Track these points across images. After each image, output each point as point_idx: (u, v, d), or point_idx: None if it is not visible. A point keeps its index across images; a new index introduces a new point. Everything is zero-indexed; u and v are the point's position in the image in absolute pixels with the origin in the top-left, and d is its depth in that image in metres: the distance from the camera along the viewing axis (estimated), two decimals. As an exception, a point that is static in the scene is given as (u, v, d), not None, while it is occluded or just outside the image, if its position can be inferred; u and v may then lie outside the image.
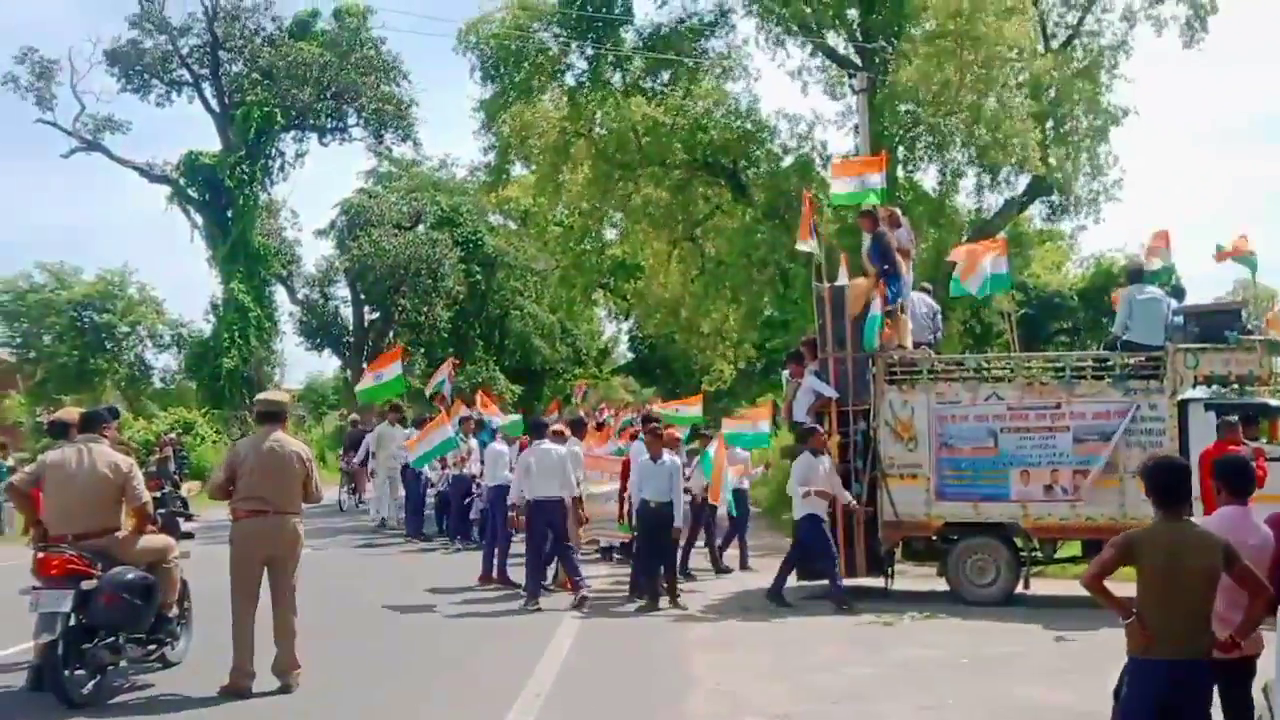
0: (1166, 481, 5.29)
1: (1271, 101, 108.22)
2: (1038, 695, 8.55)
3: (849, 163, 15.22)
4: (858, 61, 24.98)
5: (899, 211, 15.38)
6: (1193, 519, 5.39)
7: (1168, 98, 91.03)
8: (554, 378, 47.80)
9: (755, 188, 26.59)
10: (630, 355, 54.85)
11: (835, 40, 26.70)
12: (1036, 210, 30.17)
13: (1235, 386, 13.26)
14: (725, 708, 8.38)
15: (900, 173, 25.63)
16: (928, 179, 26.80)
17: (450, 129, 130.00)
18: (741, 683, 9.20)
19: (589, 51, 28.04)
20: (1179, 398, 12.53)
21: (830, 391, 13.27)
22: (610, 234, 31.62)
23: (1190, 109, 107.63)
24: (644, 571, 12.93)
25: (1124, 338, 13.08)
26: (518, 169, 31.82)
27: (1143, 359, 12.76)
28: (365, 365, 17.24)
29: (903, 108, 24.57)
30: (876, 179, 14.99)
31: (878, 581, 13.49)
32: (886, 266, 13.59)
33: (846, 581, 12.88)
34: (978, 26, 22.52)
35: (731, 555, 15.92)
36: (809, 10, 25.21)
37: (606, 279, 36.29)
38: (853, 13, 25.74)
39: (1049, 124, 26.04)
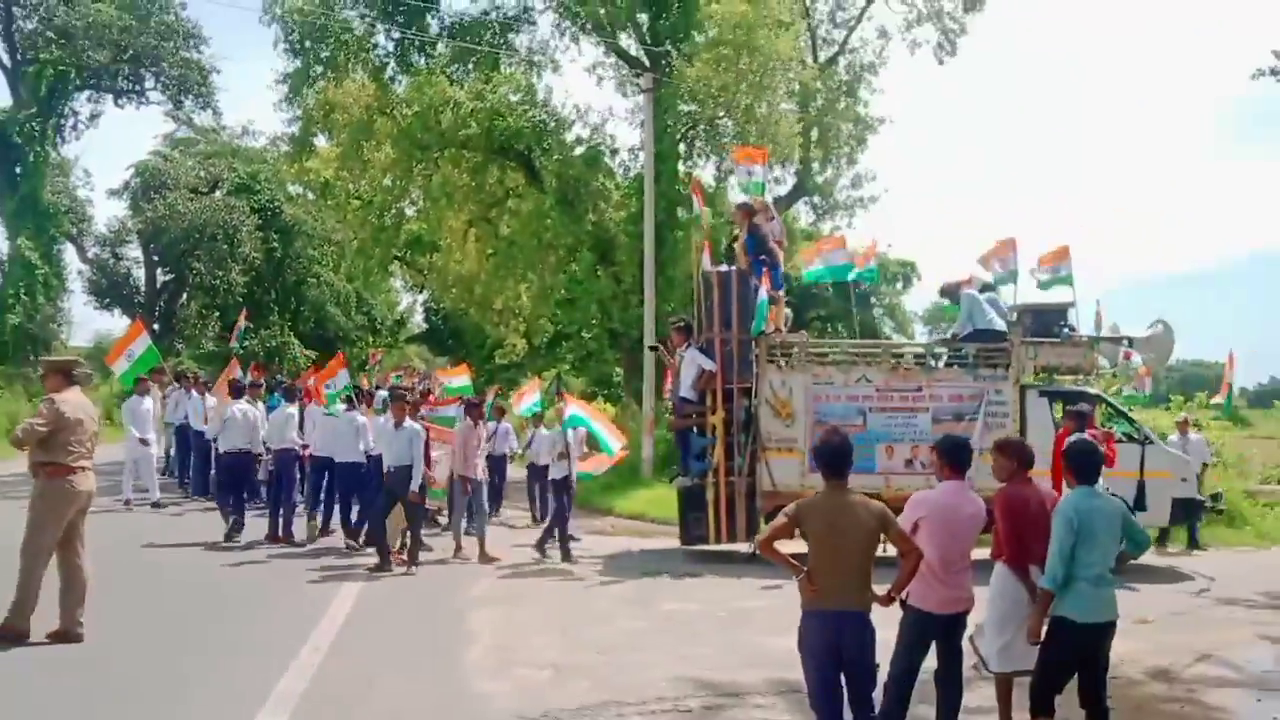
0: (832, 455, 5.53)
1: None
2: (784, 644, 9.00)
3: (740, 151, 15.33)
4: (646, 62, 25.33)
5: (770, 204, 15.52)
6: (851, 490, 5.56)
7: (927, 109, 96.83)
8: (349, 345, 46.55)
9: (548, 174, 26.67)
10: (425, 325, 53.97)
11: (627, 41, 27.00)
12: (803, 210, 31.47)
13: (1068, 377, 14.60)
14: (496, 660, 8.46)
15: (681, 167, 26.22)
16: (706, 174, 27.50)
17: (253, 97, 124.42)
18: (517, 636, 9.33)
19: (395, 34, 27.46)
20: (1021, 384, 13.47)
21: (710, 364, 13.51)
22: (410, 210, 31.03)
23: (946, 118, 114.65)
24: (378, 530, 12.60)
25: (977, 328, 13.81)
26: (320, 142, 30.90)
27: (991, 349, 13.57)
28: (107, 357, 16.20)
29: (684, 107, 25.12)
30: (760, 170, 15.13)
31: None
32: (763, 256, 13.83)
33: (727, 546, 13.39)
34: (756, 38, 23.26)
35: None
36: (603, 11, 25.41)
37: (404, 253, 35.57)
38: (643, 17, 26.08)
39: (814, 132, 27.19)
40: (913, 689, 6.14)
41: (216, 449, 15.67)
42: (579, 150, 27.13)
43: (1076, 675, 5.87)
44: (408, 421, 12.67)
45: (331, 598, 10.64)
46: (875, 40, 29.93)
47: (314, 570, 12.17)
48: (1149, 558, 12.51)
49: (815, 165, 28.04)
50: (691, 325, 14.19)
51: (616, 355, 28.46)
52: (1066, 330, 13.98)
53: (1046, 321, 13.98)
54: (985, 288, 14.67)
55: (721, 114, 24.91)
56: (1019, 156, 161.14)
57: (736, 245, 14.38)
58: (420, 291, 48.06)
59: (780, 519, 5.59)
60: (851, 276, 17.17)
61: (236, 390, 14.98)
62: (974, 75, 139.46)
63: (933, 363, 13.86)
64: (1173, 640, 9.54)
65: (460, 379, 16.55)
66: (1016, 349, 13.44)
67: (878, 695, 5.68)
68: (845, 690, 5.40)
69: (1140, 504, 13.10)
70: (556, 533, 13.62)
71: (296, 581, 11.56)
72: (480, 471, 13.72)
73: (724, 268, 14.46)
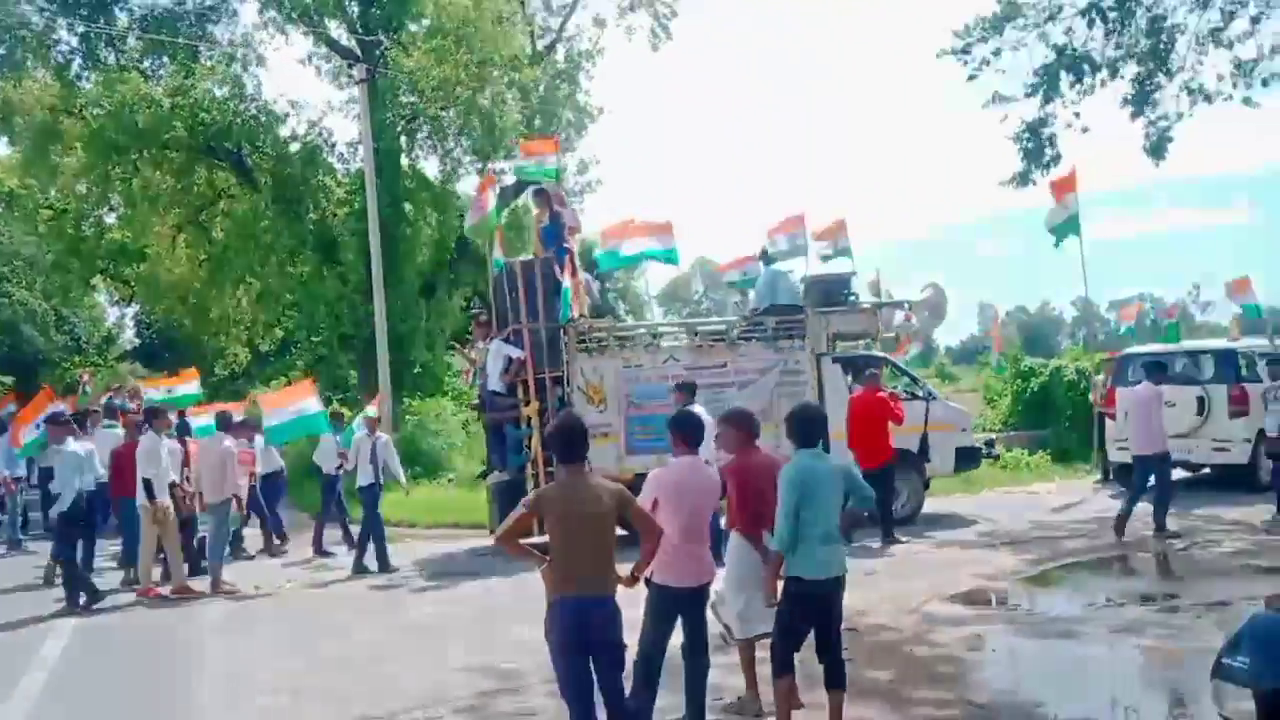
0: (564, 439, 5.48)
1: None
2: (535, 635, 8.93)
3: (530, 143, 14.87)
4: (359, 52, 24.53)
5: (563, 193, 15.23)
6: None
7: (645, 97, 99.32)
8: (51, 367, 42.79)
9: (261, 172, 25.41)
10: (136, 341, 50.35)
11: (338, 31, 26.08)
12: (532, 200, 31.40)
13: (858, 342, 15.36)
14: (231, 691, 7.96)
15: (404, 161, 25.61)
16: (430, 168, 26.98)
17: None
18: (255, 662, 8.82)
19: (80, 29, 25.36)
20: (817, 353, 13.88)
21: (518, 352, 13.22)
22: (110, 218, 28.77)
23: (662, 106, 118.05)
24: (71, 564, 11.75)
25: (774, 303, 14.18)
26: (1, 147, 28.23)
27: (789, 321, 13.91)
28: None
29: (404, 99, 24.55)
30: (553, 159, 14.78)
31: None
32: (566, 245, 13.65)
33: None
34: (476, 32, 23.01)
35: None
36: (310, 0, 24.40)
37: (107, 264, 32.93)
38: (354, 5, 25.26)
39: (536, 123, 27.18)
40: (661, 665, 6.18)
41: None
42: (295, 147, 25.98)
43: (813, 631, 6.07)
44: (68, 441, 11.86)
45: (46, 636, 9.73)
46: (592, 28, 30.29)
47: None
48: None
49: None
50: (491, 318, 14.01)
51: (349, 358, 27.51)
52: (852, 298, 14.66)
53: (832, 291, 14.59)
54: (768, 260, 15.19)
55: (443, 107, 24.51)
56: (756, 130, 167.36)
57: (534, 232, 14.19)
58: (128, 304, 44.72)
59: (519, 509, 5.48)
60: (644, 256, 17.12)
61: None
62: (701, 58, 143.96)
63: (735, 338, 14.12)
64: (900, 588, 10.13)
65: (186, 384, 15.50)
66: (811, 319, 13.95)
67: (628, 675, 5.67)
68: (595, 676, 5.35)
69: (925, 455, 14.07)
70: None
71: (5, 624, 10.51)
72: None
73: (524, 258, 14.33)
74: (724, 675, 6.89)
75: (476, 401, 15.12)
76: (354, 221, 24.49)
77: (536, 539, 5.78)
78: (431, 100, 24.26)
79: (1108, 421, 17.04)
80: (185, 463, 12.96)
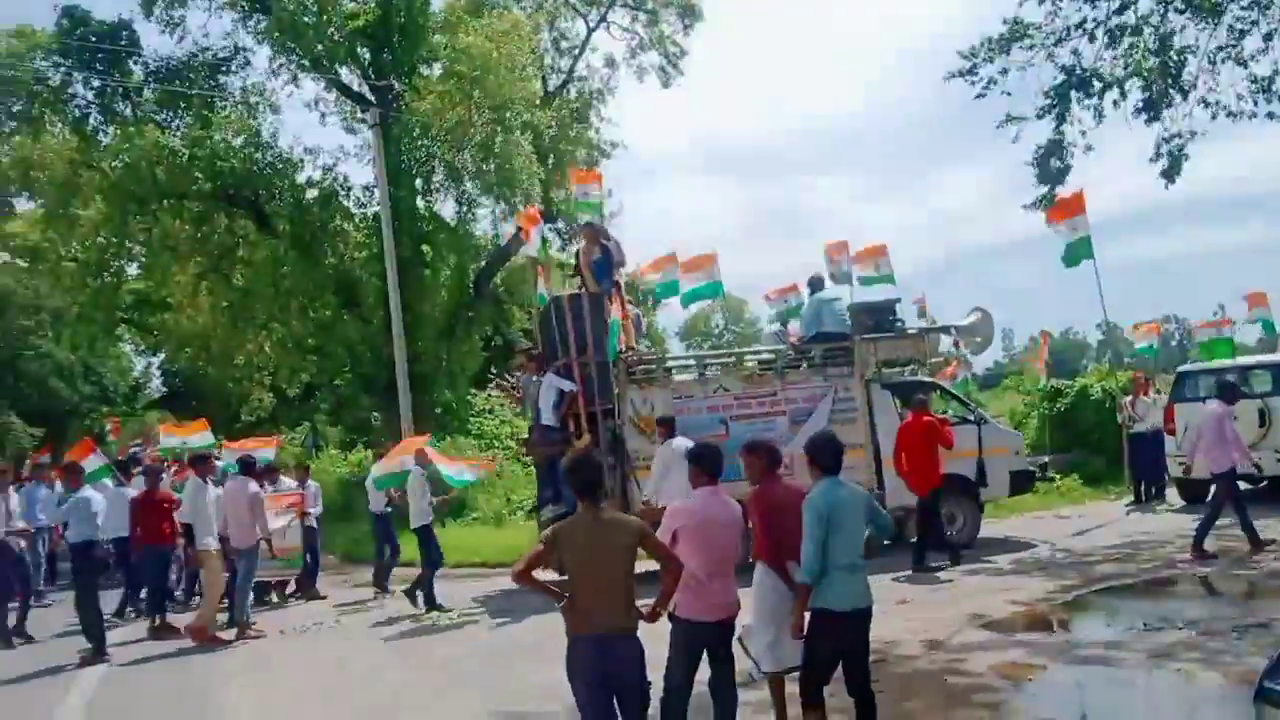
0: (587, 476, 5.40)
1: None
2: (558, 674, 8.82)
3: (576, 173, 15.04)
4: (371, 98, 24.73)
5: (606, 227, 15.26)
6: (606, 507, 5.44)
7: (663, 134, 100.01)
8: (79, 418, 43.07)
9: (280, 219, 25.57)
10: (164, 390, 50.63)
11: (349, 77, 26.32)
12: (552, 237, 31.48)
13: (906, 368, 15.35)
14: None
15: (420, 202, 25.73)
16: (446, 209, 27.12)
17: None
18: (277, 711, 8.73)
19: (95, 83, 25.70)
20: (866, 380, 13.97)
21: (571, 385, 13.23)
22: (132, 268, 29.04)
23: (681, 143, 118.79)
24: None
25: (822, 330, 14.25)
26: (23, 203, 28.54)
27: (836, 348, 14.02)
28: None
29: (419, 142, 24.71)
30: (597, 191, 14.88)
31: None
32: (615, 278, 13.74)
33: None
34: (487, 79, 23.17)
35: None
36: (321, 47, 24.65)
37: (130, 314, 33.21)
38: (365, 52, 25.48)
39: (550, 160, 27.30)
40: (688, 701, 6.06)
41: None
42: (312, 192, 26.19)
43: (841, 665, 5.94)
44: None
45: (71, 685, 9.67)
46: (603, 69, 30.52)
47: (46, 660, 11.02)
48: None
49: (552, 194, 28.13)
50: (541, 353, 14.01)
51: (372, 400, 27.56)
52: (899, 324, 14.68)
53: (878, 317, 14.58)
54: (815, 286, 15.15)
55: (457, 149, 24.65)
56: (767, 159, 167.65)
57: (583, 267, 14.17)
58: (154, 354, 45.06)
59: (536, 546, 5.40)
60: (693, 294, 17.26)
61: None
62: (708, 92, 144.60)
63: (783, 368, 14.19)
64: (932, 616, 9.95)
65: (197, 435, 15.52)
66: (858, 346, 13.99)
67: (654, 713, 5.56)
68: (619, 713, 5.25)
69: (981, 480, 13.98)
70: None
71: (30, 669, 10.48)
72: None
73: (573, 292, 14.40)
74: (753, 712, 6.77)
75: (526, 437, 15.01)
76: (372, 264, 24.61)
77: (557, 577, 5.69)
78: (446, 143, 24.40)
79: (1167, 439, 17.12)
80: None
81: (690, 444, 11.14)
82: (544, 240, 15.24)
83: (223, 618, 12.37)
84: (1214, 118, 16.78)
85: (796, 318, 15.56)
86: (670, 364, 14.53)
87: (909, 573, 12.31)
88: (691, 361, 15.06)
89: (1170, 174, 17.09)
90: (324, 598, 14.65)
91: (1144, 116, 16.53)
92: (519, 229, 15.24)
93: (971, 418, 14.65)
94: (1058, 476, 18.27)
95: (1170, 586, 11.18)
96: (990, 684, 7.71)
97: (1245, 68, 16.03)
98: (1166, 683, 7.50)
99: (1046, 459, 17.25)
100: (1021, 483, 14.95)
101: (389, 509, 14.71)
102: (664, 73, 30.65)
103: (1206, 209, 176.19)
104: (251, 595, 12.61)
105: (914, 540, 13.05)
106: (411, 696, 8.80)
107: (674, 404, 13.47)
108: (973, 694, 7.47)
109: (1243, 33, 15.64)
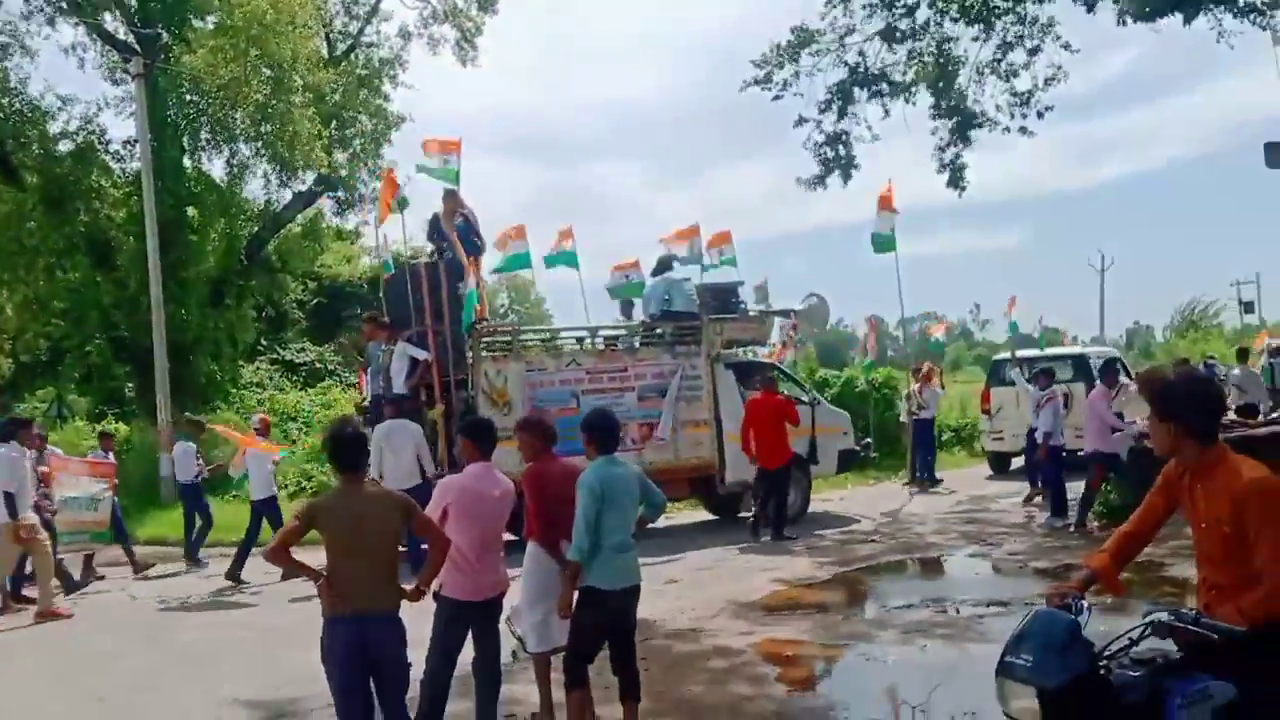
0: (342, 448, 5.15)
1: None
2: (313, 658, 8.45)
3: (432, 141, 14.22)
4: (137, 47, 23.05)
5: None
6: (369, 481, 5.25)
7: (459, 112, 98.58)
8: None
9: (28, 171, 23.57)
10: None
11: (114, 24, 24.48)
12: (328, 205, 30.27)
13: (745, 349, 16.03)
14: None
15: (187, 161, 24.24)
16: (215, 170, 25.64)
17: None
18: (5, 697, 7.99)
19: None
20: (711, 359, 14.38)
21: (424, 354, 12.92)
22: None
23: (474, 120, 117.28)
24: None
25: (672, 309, 14.53)
26: None
27: (685, 327, 14.37)
28: None
29: (188, 97, 23.27)
30: (455, 159, 14.19)
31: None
32: (478, 241, 13.65)
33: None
34: (266, 37, 22.01)
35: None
36: (84, -10, 22.86)
37: None
38: (131, -2, 23.78)
39: (333, 126, 26.25)
40: (450, 683, 5.89)
41: None
42: (66, 144, 24.24)
43: (608, 643, 5.90)
44: None
45: None
46: (395, 37, 29.49)
47: None
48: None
49: (338, 159, 27.01)
50: (386, 320, 13.72)
51: (126, 369, 25.79)
52: (742, 306, 15.27)
53: (723, 299, 15.12)
54: (664, 267, 15.38)
55: (231, 107, 23.32)
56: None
57: (450, 232, 13.74)
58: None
59: (291, 521, 5.10)
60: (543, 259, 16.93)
61: None
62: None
63: (634, 344, 14.49)
64: (699, 596, 10.12)
65: None
66: (706, 327, 14.38)
67: (414, 696, 5.35)
68: (376, 697, 5.02)
69: (813, 457, 14.79)
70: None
71: None
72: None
73: (429, 260, 14.16)
74: (517, 690, 6.67)
75: (367, 403, 14.58)
76: (131, 224, 23.01)
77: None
78: (217, 100, 23.07)
79: (982, 417, 19.88)
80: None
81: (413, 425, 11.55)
82: (402, 200, 14.75)
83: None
84: (979, 126, 17.92)
85: (636, 295, 15.74)
86: (524, 336, 14.57)
87: (747, 544, 13.15)
88: (545, 334, 14.94)
89: (955, 183, 18.24)
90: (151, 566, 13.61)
91: (937, 124, 17.61)
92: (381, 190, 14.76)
93: (806, 399, 15.32)
94: (876, 455, 19.21)
95: (924, 568, 11.80)
96: (750, 661, 7.88)
97: (1008, 80, 17.15)
98: (916, 657, 7.84)
99: (869, 439, 18.07)
100: (847, 461, 15.93)
101: (199, 479, 13.99)
102: (460, 49, 29.92)
103: (970, 212, 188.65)
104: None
105: (748, 515, 14.11)
106: (155, 679, 8.23)
107: (526, 376, 13.45)
108: (735, 671, 7.60)
109: (1010, 45, 16.72)
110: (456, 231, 13.86)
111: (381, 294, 14.48)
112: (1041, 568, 10.91)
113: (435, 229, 14.21)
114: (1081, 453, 13.34)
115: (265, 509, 12.90)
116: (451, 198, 14.15)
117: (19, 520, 10.74)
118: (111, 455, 14.20)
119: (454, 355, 13.23)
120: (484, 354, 13.41)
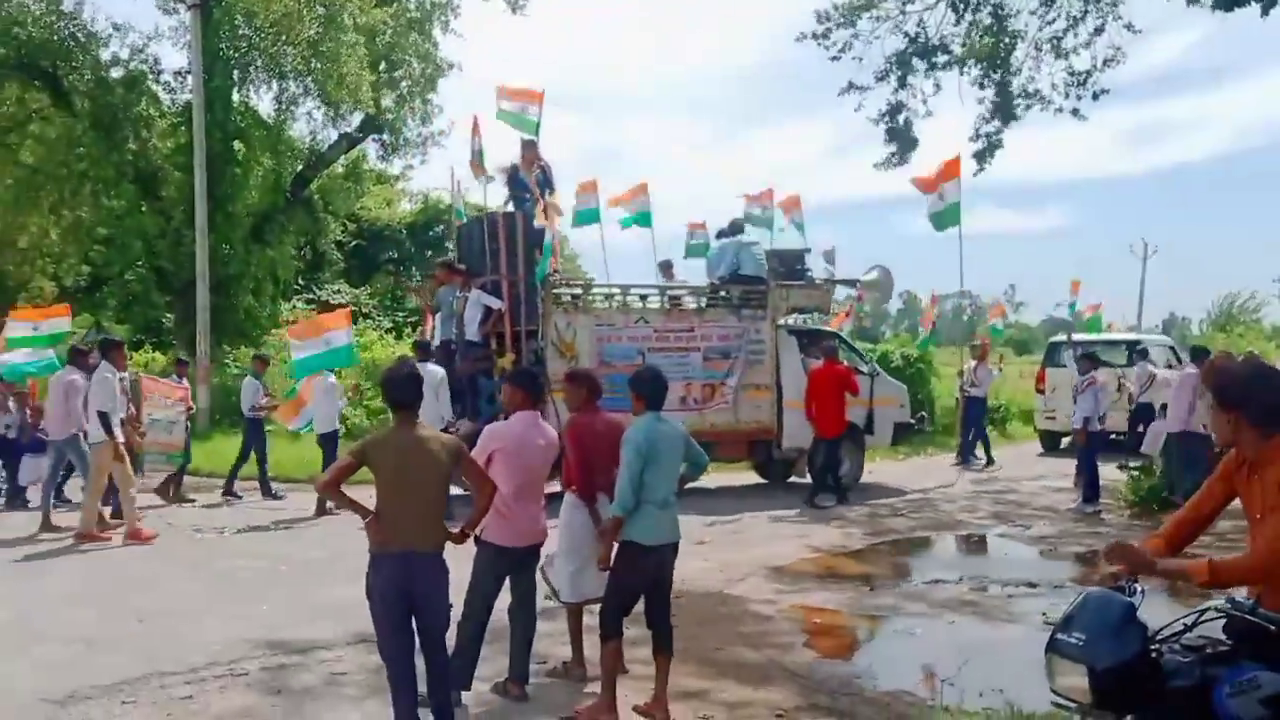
0: (399, 391, 5.22)
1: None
2: (352, 593, 8.57)
3: (513, 89, 14.19)
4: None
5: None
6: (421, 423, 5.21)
7: (497, 57, 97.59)
8: None
9: (79, 95, 23.68)
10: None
11: (170, -50, 24.47)
12: (372, 148, 30.27)
13: (812, 316, 16.13)
14: (11, 639, 7.34)
15: (236, 96, 24.29)
16: (263, 105, 25.69)
17: None
18: (40, 610, 8.16)
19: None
20: (777, 324, 14.46)
21: (499, 304, 13.08)
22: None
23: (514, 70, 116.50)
24: None
25: (740, 273, 14.51)
26: None
27: (752, 292, 14.35)
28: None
29: (240, 30, 23.26)
30: (536, 109, 14.13)
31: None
32: (551, 195, 13.66)
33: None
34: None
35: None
36: (141, -86, 22.82)
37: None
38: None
39: (382, 68, 26.19)
40: (486, 626, 5.97)
41: None
42: (117, 71, 24.33)
43: (643, 597, 5.94)
44: None
45: None
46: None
47: None
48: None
49: (386, 104, 26.93)
50: (461, 266, 13.84)
51: (166, 299, 26.03)
52: (807, 273, 15.20)
53: (790, 265, 15.08)
54: (735, 229, 15.35)
55: (283, 42, 23.32)
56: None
57: (531, 183, 13.86)
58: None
59: (345, 458, 5.15)
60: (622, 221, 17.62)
61: None
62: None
63: (701, 305, 14.53)
64: (729, 558, 10.17)
65: (56, 320, 14.32)
66: (773, 292, 14.36)
67: (451, 636, 5.42)
68: (417, 634, 5.09)
69: (869, 428, 14.92)
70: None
71: None
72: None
73: (507, 210, 14.20)
74: (550, 642, 6.75)
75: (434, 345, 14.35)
76: (178, 155, 23.16)
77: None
78: (270, 34, 23.07)
79: (1036, 397, 20.31)
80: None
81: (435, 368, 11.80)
82: (480, 150, 14.64)
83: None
84: (1028, 108, 17.64)
85: (702, 256, 15.76)
86: (596, 291, 14.65)
87: (783, 511, 13.16)
88: (616, 291, 15.04)
89: (982, 157, 17.91)
90: (191, 501, 13.83)
91: (985, 98, 17.29)
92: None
93: (865, 369, 15.34)
94: (930, 428, 19.37)
95: (953, 544, 11.80)
96: (779, 624, 7.93)
97: (1067, 59, 16.84)
98: (946, 632, 7.87)
99: (924, 413, 18.10)
100: (900, 433, 15.95)
101: (259, 412, 14.25)
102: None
103: (1003, 192, 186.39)
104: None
105: (800, 480, 14.16)
106: (201, 603, 8.39)
107: (596, 330, 13.58)
108: (765, 633, 7.66)
109: (1076, 20, 16.40)
110: (537, 180, 13.94)
111: (454, 240, 14.39)
112: (1073, 551, 10.88)
113: (514, 178, 14.22)
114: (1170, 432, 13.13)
115: (326, 443, 13.29)
116: (531, 148, 14.16)
117: (115, 438, 11.00)
118: (185, 380, 14.44)
119: (526, 307, 13.36)
120: (555, 306, 13.54)
